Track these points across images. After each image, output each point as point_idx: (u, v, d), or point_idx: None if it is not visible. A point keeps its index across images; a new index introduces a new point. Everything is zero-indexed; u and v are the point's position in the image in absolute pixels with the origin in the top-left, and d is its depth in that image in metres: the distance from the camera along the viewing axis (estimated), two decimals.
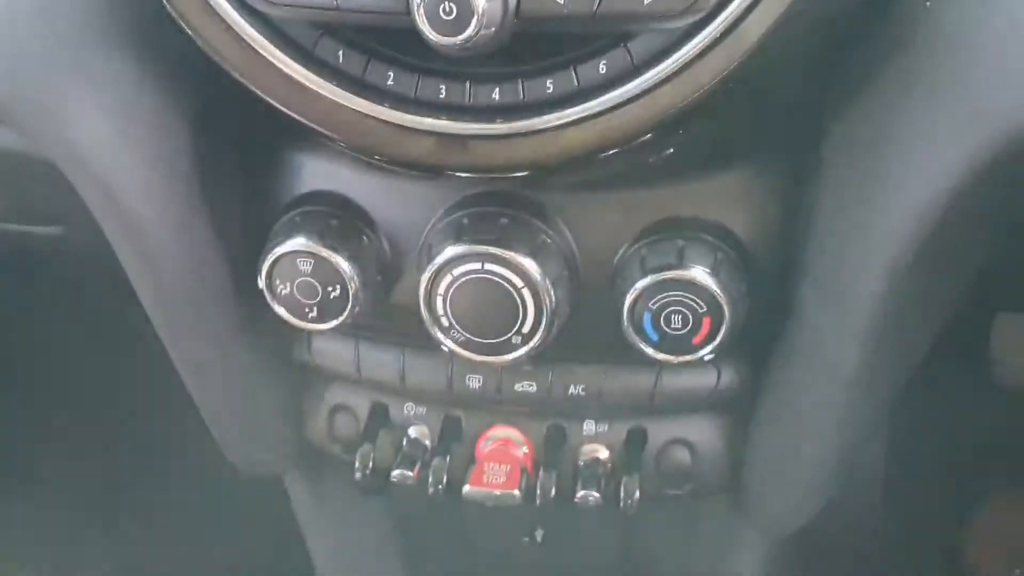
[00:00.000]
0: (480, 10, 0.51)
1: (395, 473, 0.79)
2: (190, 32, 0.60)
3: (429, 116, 0.58)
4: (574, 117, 0.56)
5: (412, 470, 0.79)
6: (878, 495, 1.50)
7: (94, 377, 1.41)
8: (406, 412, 0.82)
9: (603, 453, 0.80)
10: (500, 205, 0.68)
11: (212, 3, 0.58)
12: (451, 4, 0.51)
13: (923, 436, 1.49)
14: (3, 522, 1.40)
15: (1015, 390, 1.48)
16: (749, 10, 0.52)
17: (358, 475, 0.80)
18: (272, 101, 0.60)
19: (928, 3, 0.55)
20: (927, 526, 1.48)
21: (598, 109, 0.56)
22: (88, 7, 0.64)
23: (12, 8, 0.64)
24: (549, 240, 0.68)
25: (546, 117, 0.57)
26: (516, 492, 0.76)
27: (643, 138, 0.57)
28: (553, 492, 0.77)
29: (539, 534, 1.06)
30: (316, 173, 0.73)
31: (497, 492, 0.77)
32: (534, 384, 0.76)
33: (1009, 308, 1.31)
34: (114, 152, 0.66)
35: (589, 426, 0.80)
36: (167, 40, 0.63)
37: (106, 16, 0.64)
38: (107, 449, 1.42)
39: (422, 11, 0.52)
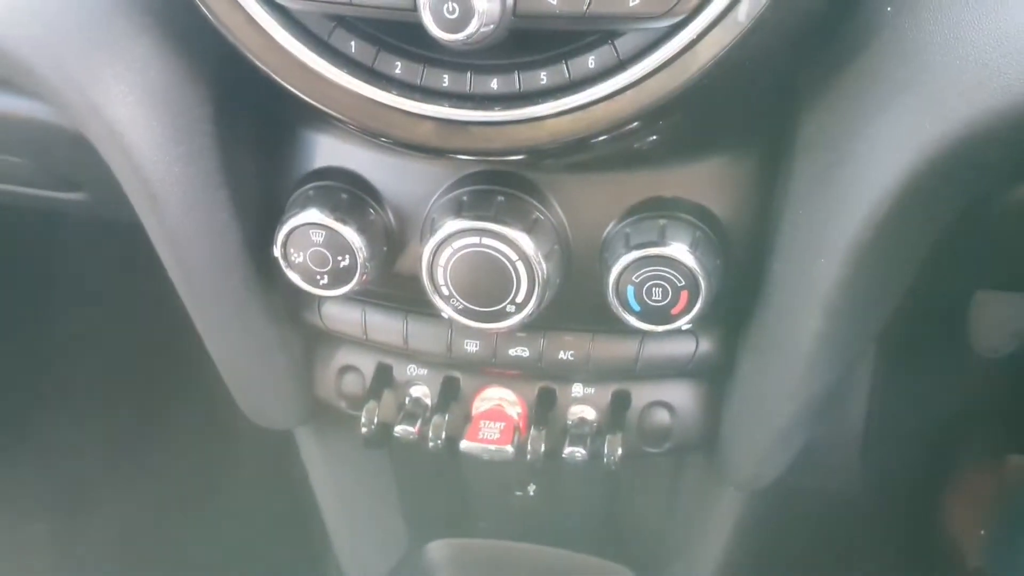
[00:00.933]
0: (480, 9, 0.56)
1: (398, 429, 0.85)
2: (214, 22, 0.64)
3: (433, 103, 0.63)
4: (566, 107, 0.61)
5: (414, 426, 0.86)
6: (856, 456, 1.57)
7: (115, 333, 1.47)
8: (408, 373, 0.89)
9: (590, 413, 0.87)
10: (497, 184, 0.73)
11: None
12: (454, 4, 0.56)
13: (901, 400, 1.55)
14: (21, 474, 1.47)
15: (991, 357, 1.54)
16: (726, 13, 0.57)
17: (364, 430, 0.87)
18: (288, 87, 0.65)
19: (889, 8, 0.60)
20: (902, 487, 1.55)
21: (587, 100, 0.61)
22: None
23: None
24: (542, 217, 0.73)
25: (540, 107, 0.62)
26: (509, 448, 0.83)
27: (629, 127, 0.63)
28: (543, 448, 0.83)
29: (531, 488, 1.13)
30: (328, 151, 0.79)
31: (492, 447, 0.83)
32: (527, 349, 0.82)
33: (987, 286, 1.37)
34: (142, 128, 0.72)
35: (577, 389, 0.86)
36: (191, 24, 0.67)
37: (135, 2, 0.70)
38: (127, 401, 1.49)
39: (427, 9, 0.57)
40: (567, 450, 0.83)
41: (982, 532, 1.41)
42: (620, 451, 0.83)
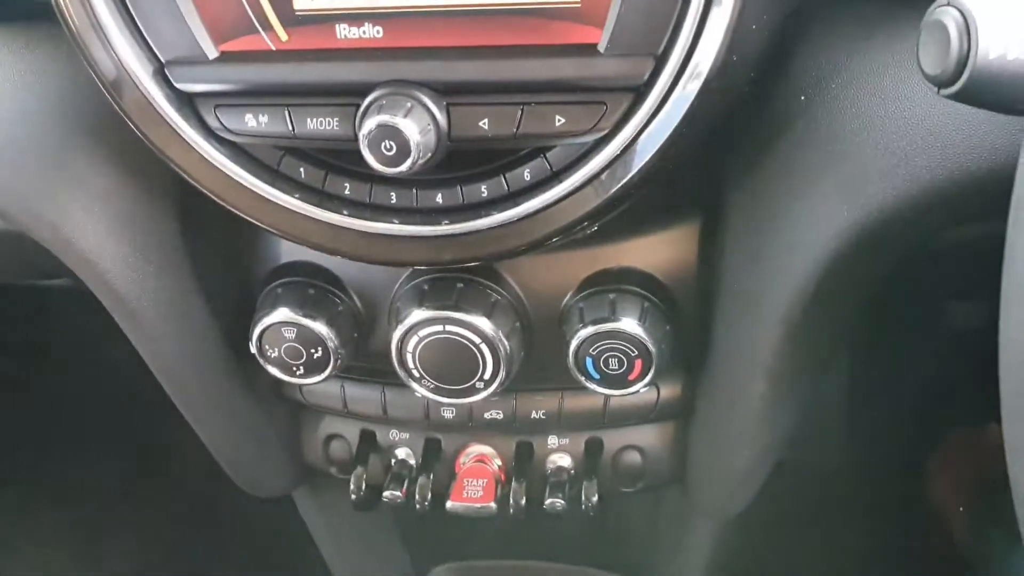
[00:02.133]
0: (416, 142, 0.60)
1: (386, 493, 0.90)
2: (169, 162, 0.68)
3: (383, 220, 0.67)
4: (508, 219, 0.64)
5: (400, 489, 0.90)
6: (837, 432, 1.62)
7: (115, 406, 1.52)
8: (391, 437, 0.93)
9: (566, 461, 0.92)
10: (456, 271, 0.77)
11: (183, 134, 0.66)
12: (390, 142, 0.60)
13: (882, 375, 1.59)
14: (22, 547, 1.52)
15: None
16: (647, 124, 0.60)
17: (353, 496, 0.92)
18: (244, 215, 0.69)
19: (803, 98, 0.64)
20: (885, 462, 1.60)
21: (526, 212, 0.64)
22: (78, 133, 0.72)
23: (15, 136, 0.73)
24: (501, 299, 0.77)
25: (484, 220, 0.65)
26: (492, 504, 0.88)
27: (570, 231, 0.66)
28: (523, 501, 0.88)
29: None
30: (292, 247, 0.82)
31: (476, 505, 0.88)
32: (501, 412, 0.87)
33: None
34: (113, 253, 0.75)
35: (553, 440, 0.91)
36: (149, 152, 0.71)
37: (94, 138, 0.73)
38: (130, 472, 1.54)
39: (366, 145, 0.60)
40: (547, 502, 0.88)
41: (961, 508, 1.46)
42: (596, 498, 0.88)
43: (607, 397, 0.85)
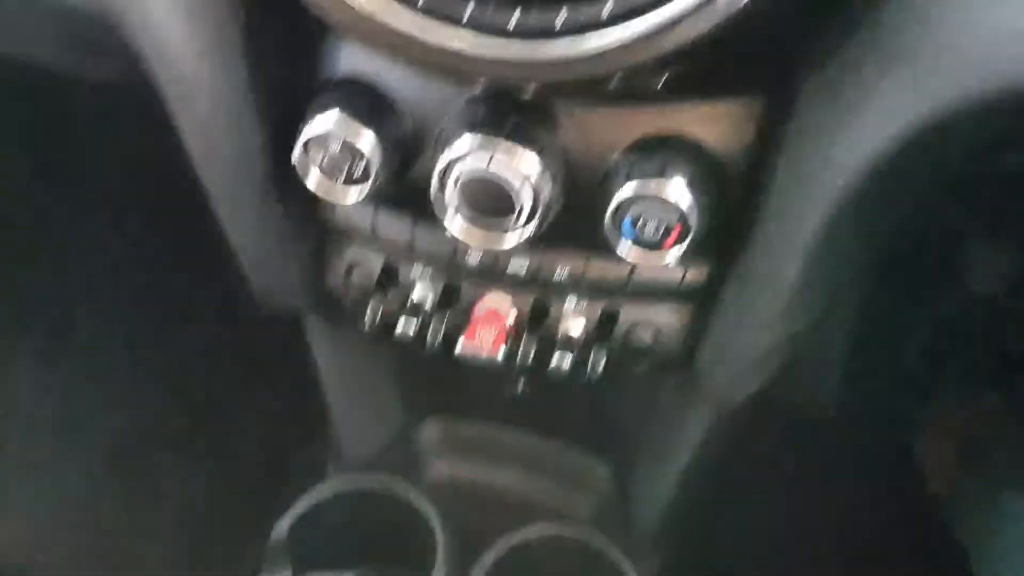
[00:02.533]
0: None
1: (399, 328, 0.91)
2: None
3: (454, 28, 0.66)
4: (578, 54, 0.64)
5: (414, 327, 0.91)
6: (837, 376, 1.63)
7: (133, 217, 1.53)
8: (412, 276, 0.94)
9: (579, 326, 0.92)
10: (511, 107, 0.77)
11: None
12: None
13: (888, 325, 1.60)
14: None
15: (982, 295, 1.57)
16: None
17: (367, 325, 0.93)
18: (314, 9, 0.68)
19: None
20: (880, 411, 1.62)
21: (599, 48, 0.63)
22: None
23: None
24: (551, 142, 0.77)
25: (554, 45, 0.64)
26: (502, 351, 0.89)
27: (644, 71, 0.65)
28: (531, 356, 0.89)
29: (521, 383, 1.20)
30: (349, 58, 0.81)
31: (484, 352, 0.89)
32: (524, 265, 0.87)
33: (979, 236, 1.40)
34: (176, 30, 0.75)
35: (570, 303, 0.91)
36: None
37: None
38: (143, 289, 1.56)
39: None
40: (554, 361, 0.89)
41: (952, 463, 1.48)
42: (602, 365, 0.89)
43: (633, 267, 0.86)
